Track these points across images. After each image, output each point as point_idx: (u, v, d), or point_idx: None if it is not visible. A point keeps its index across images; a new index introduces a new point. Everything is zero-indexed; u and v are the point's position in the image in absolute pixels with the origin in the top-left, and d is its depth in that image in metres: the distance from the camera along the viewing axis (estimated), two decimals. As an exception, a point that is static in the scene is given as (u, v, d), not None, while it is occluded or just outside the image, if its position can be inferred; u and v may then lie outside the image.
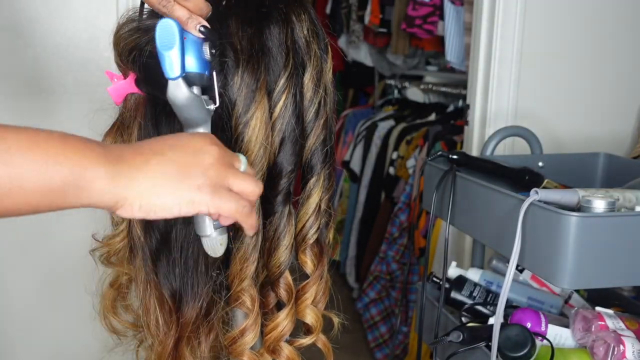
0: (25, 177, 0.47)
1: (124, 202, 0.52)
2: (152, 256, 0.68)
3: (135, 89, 0.69)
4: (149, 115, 0.68)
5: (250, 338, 0.70)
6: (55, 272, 1.54)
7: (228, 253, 0.68)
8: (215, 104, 0.64)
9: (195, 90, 0.63)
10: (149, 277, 0.69)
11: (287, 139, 0.69)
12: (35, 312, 1.56)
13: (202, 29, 0.62)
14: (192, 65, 0.62)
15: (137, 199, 0.52)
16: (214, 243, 0.64)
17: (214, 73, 0.64)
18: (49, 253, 1.53)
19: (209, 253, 0.65)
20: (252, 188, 0.58)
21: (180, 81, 0.61)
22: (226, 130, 0.67)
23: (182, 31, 0.61)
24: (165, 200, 0.54)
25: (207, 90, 0.64)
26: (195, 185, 0.55)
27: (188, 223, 0.67)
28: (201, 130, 0.64)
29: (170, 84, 0.61)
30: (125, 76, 0.70)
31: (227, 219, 0.60)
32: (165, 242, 0.68)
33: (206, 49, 0.63)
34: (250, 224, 0.60)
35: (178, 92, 0.61)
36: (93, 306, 0.78)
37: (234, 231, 0.68)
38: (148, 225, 0.68)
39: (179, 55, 0.60)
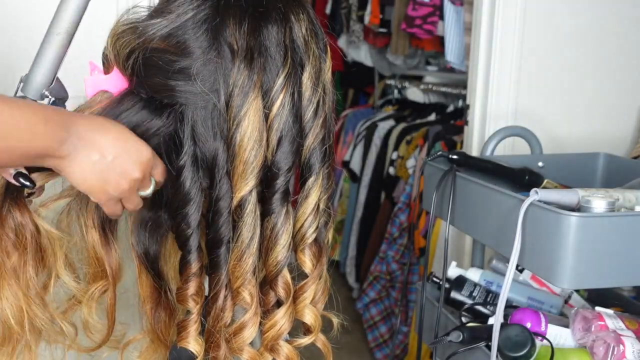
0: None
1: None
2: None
3: (112, 88, 0.69)
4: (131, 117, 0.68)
5: (249, 334, 0.70)
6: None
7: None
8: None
9: None
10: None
11: (284, 138, 0.68)
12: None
13: None
14: None
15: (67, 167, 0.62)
16: None
17: None
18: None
19: None
20: (132, 208, 0.69)
21: None
22: (223, 132, 0.67)
23: None
24: (80, 181, 0.64)
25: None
26: (104, 192, 0.65)
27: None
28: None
29: None
30: (107, 72, 0.70)
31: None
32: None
33: None
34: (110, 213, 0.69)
35: None
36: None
37: (232, 230, 0.69)
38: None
39: None
